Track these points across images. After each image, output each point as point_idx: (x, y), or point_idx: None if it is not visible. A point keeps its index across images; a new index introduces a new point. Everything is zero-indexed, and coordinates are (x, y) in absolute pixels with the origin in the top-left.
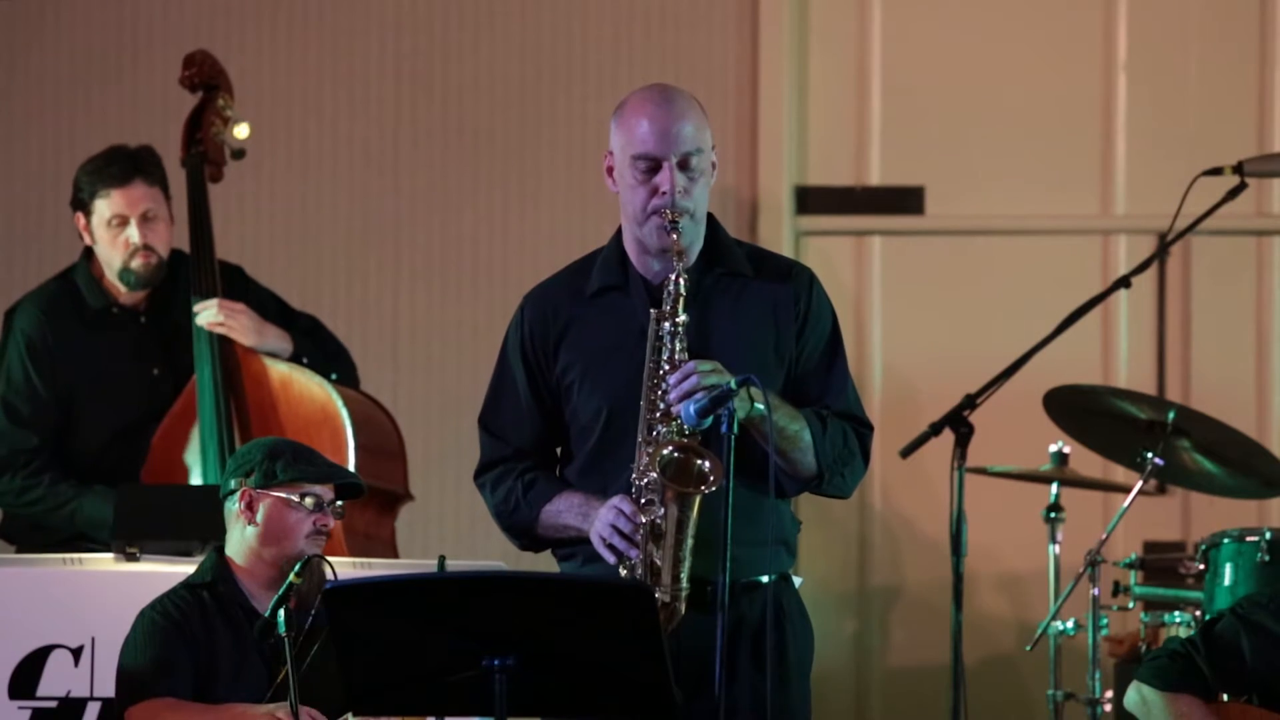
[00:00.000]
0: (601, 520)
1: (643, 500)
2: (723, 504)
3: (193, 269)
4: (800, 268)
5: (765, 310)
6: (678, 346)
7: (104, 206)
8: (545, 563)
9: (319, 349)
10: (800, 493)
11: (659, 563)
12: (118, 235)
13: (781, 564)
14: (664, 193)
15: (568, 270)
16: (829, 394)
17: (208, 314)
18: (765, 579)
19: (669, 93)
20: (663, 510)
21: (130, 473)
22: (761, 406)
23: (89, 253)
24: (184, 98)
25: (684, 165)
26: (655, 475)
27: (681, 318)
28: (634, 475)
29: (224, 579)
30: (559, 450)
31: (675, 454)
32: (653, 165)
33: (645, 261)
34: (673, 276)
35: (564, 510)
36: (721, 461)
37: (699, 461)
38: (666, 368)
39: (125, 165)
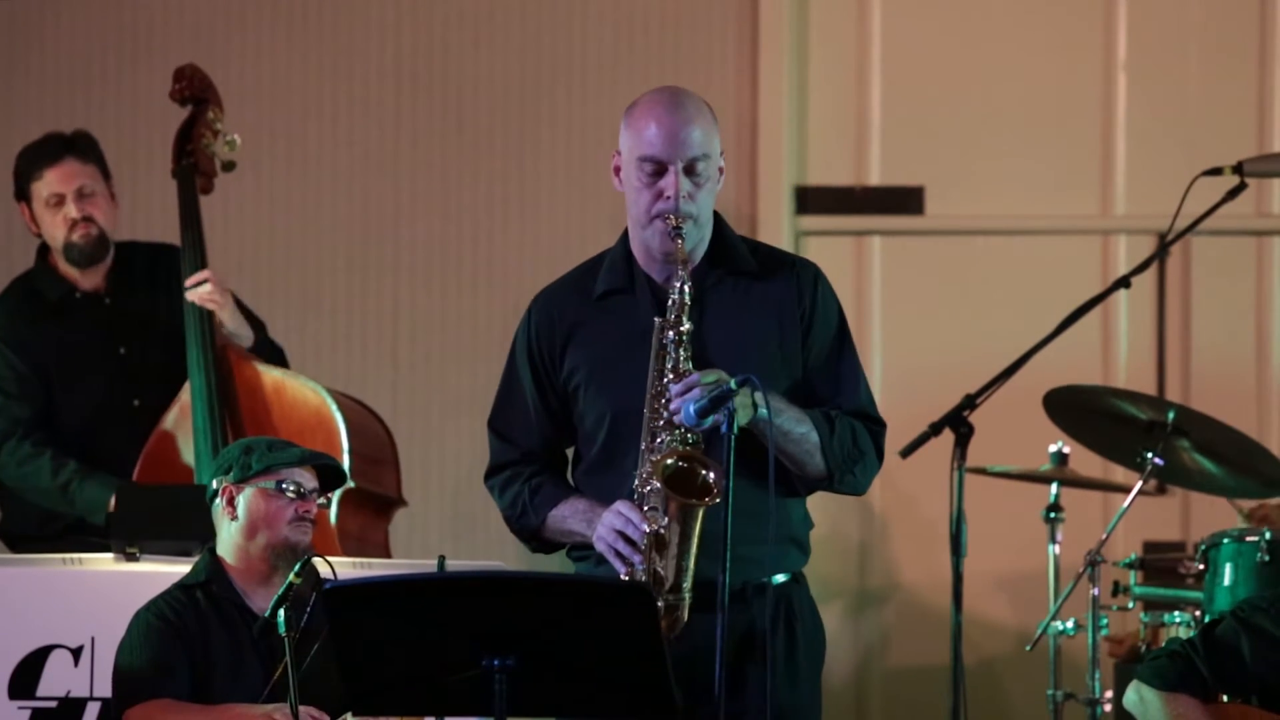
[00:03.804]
0: (605, 525)
1: (646, 508)
2: (726, 506)
3: (185, 279)
4: (805, 264)
5: (769, 309)
6: (682, 355)
7: (40, 187)
8: (546, 563)
9: (272, 351)
10: (813, 492)
11: (662, 571)
12: (56, 214)
13: (792, 562)
14: (668, 197)
15: (575, 272)
16: (840, 392)
17: (201, 289)
18: (777, 579)
19: (679, 96)
20: (666, 520)
21: (113, 458)
22: (765, 410)
23: (43, 250)
24: None
25: (690, 170)
26: (658, 485)
27: (685, 326)
28: (636, 483)
29: (217, 578)
30: (570, 451)
31: (679, 464)
32: (658, 168)
33: (651, 264)
34: (677, 284)
35: (569, 516)
36: (723, 470)
37: (703, 472)
38: (670, 376)
39: (56, 145)
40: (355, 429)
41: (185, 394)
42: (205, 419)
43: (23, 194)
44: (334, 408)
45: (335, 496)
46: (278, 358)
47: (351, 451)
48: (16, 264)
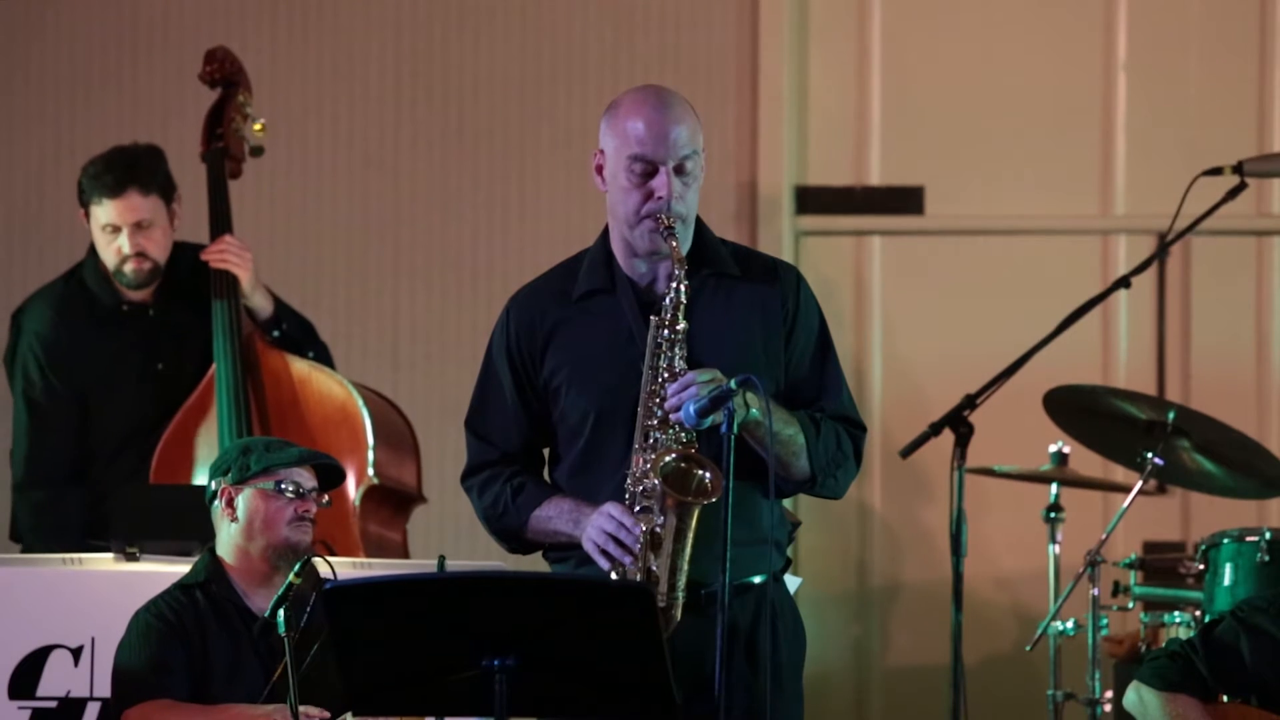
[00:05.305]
0: (595, 527)
1: (638, 508)
2: (718, 506)
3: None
4: (786, 267)
5: (753, 311)
6: (677, 354)
7: (99, 213)
8: (543, 563)
9: (297, 325)
10: (794, 494)
11: (656, 570)
12: (111, 242)
13: (772, 564)
14: (660, 197)
15: (553, 272)
16: (823, 395)
17: (214, 253)
18: (757, 579)
19: (666, 95)
20: (661, 519)
21: (137, 475)
22: (757, 412)
23: (94, 248)
24: (185, 98)
25: (680, 170)
26: (654, 482)
27: (681, 325)
28: (629, 481)
29: (217, 579)
30: (546, 452)
31: (677, 462)
32: (649, 169)
33: (632, 264)
34: (673, 284)
35: (554, 516)
36: (721, 471)
37: (700, 472)
38: (665, 375)
39: (120, 174)
40: (380, 423)
41: (205, 383)
42: (230, 408)
43: (83, 204)
44: (360, 402)
45: (358, 495)
46: (310, 343)
47: (376, 446)
48: (16, 264)
